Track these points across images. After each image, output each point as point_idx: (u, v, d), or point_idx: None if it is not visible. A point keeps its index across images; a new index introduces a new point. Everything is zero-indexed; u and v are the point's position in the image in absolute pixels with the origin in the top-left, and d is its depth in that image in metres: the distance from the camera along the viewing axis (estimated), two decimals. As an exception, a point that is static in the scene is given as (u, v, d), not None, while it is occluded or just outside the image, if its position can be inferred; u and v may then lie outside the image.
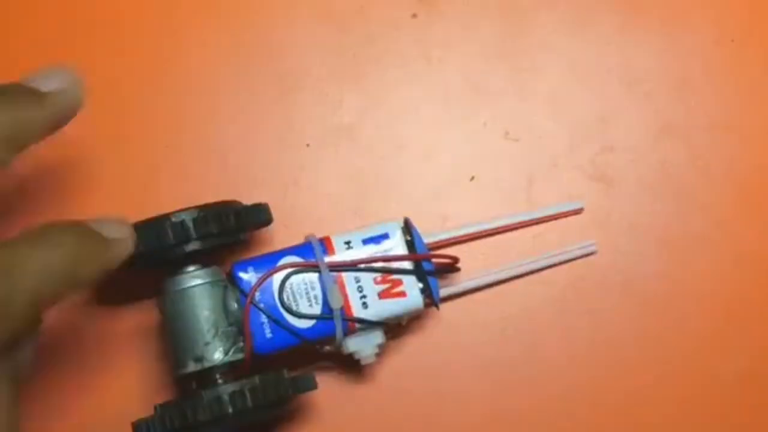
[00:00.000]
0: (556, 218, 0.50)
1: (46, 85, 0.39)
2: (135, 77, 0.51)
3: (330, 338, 0.45)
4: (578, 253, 0.50)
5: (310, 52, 0.52)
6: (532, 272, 0.50)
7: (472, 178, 0.51)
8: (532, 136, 0.51)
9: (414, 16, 0.52)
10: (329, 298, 0.45)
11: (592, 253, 0.50)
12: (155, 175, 0.51)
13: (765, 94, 0.52)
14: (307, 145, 0.51)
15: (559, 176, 0.51)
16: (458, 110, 0.51)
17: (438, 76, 0.52)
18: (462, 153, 0.51)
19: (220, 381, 0.44)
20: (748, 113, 0.52)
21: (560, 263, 0.50)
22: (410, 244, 0.46)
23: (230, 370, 0.45)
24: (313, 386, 0.45)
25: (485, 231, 0.50)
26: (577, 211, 0.50)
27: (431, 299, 0.46)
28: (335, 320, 0.45)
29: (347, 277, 0.46)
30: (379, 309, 0.45)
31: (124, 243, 0.40)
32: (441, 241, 0.49)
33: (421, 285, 0.46)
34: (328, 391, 0.48)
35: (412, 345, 0.49)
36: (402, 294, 0.46)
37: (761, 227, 0.51)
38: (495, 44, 0.52)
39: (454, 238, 0.49)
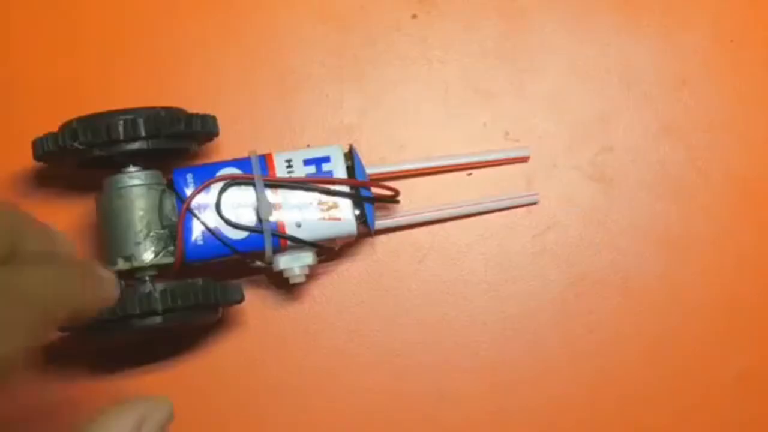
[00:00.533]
0: (501, 164, 0.50)
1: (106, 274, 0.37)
2: (135, 77, 0.51)
3: (261, 252, 0.46)
4: (519, 201, 0.50)
5: (310, 52, 0.52)
6: (469, 215, 0.50)
7: (470, 173, 0.51)
8: (532, 136, 0.51)
9: (414, 16, 0.52)
10: (259, 209, 0.45)
11: (533, 203, 0.50)
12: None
13: (764, 94, 0.52)
14: (308, 145, 0.51)
15: (559, 176, 0.51)
16: (458, 110, 0.51)
17: (438, 76, 0.52)
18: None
19: (147, 282, 0.45)
20: (747, 113, 0.52)
21: (499, 210, 0.50)
22: (351, 170, 0.47)
23: (159, 274, 0.45)
24: (241, 297, 0.46)
25: (429, 168, 0.50)
26: (524, 159, 0.51)
27: (366, 226, 0.46)
28: (264, 232, 0.45)
29: (284, 194, 0.46)
30: (313, 229, 0.46)
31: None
32: (384, 173, 0.49)
33: (357, 212, 0.46)
34: (258, 304, 0.49)
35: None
36: (337, 218, 0.46)
37: (761, 227, 0.51)
38: (495, 44, 0.52)
39: (397, 172, 0.50)
